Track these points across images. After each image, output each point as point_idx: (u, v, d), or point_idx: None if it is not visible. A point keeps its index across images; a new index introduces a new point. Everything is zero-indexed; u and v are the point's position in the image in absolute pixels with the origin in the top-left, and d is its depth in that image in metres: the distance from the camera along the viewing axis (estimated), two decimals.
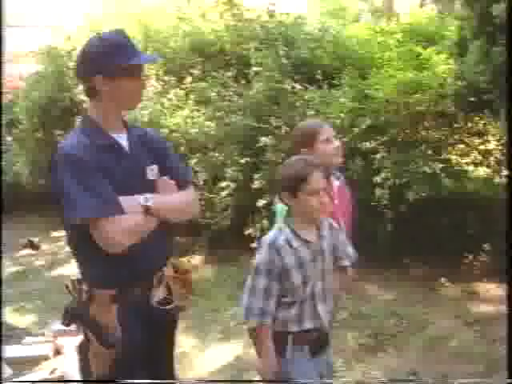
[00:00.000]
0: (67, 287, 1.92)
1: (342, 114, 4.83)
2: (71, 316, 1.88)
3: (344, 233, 2.25)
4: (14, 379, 3.35)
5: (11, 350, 3.68)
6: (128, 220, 1.78)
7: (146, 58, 2.12)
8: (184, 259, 2.14)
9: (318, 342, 2.07)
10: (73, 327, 1.98)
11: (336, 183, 2.64)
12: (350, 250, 2.21)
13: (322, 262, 2.03)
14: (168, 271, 2.01)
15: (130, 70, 1.87)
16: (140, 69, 1.93)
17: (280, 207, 2.51)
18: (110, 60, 1.83)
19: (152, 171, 1.97)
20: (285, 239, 1.96)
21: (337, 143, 2.54)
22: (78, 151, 1.79)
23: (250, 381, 2.16)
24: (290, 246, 1.96)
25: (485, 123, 5.06)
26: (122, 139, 1.94)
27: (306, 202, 1.94)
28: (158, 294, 1.96)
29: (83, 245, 1.89)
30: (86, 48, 1.91)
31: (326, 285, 2.06)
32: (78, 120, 2.02)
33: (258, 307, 1.96)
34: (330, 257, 2.06)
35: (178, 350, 2.19)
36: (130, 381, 1.91)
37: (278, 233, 1.99)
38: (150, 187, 1.94)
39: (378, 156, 4.72)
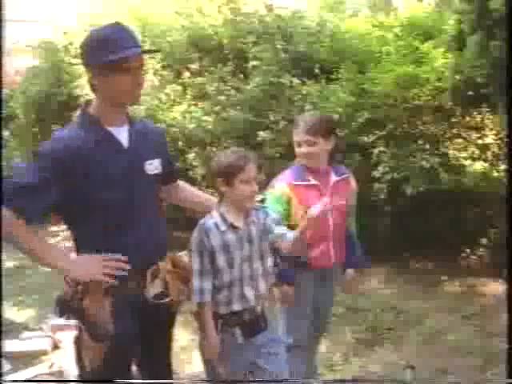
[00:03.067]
0: (67, 281, 1.92)
1: (340, 109, 4.82)
2: (63, 307, 1.88)
3: (276, 218, 2.26)
4: (12, 374, 3.35)
5: (10, 345, 3.68)
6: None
7: (124, 53, 1.84)
8: (182, 253, 2.15)
9: (250, 324, 2.14)
10: (73, 321, 1.98)
11: (333, 179, 2.63)
12: (288, 234, 2.20)
13: (249, 247, 2.12)
14: (165, 265, 2.01)
15: (119, 66, 1.81)
16: (131, 64, 1.83)
17: (268, 193, 2.53)
18: (97, 56, 1.82)
19: (151, 165, 1.97)
20: (213, 222, 2.07)
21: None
22: (59, 150, 1.80)
23: (252, 380, 2.16)
24: (218, 229, 2.06)
25: (482, 117, 5.06)
26: (122, 134, 1.93)
27: (240, 190, 2.06)
28: (154, 287, 1.96)
29: (78, 237, 1.92)
30: (83, 41, 1.90)
31: (255, 270, 2.14)
32: (77, 116, 2.00)
33: (197, 287, 2.06)
34: (259, 243, 2.15)
35: (176, 345, 2.19)
36: (130, 381, 1.91)
37: (209, 217, 2.10)
38: (149, 182, 1.95)
39: (376, 150, 4.72)
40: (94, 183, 1.82)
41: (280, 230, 2.19)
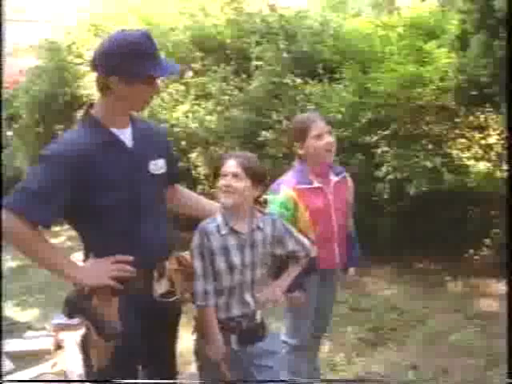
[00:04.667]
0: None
1: (342, 109, 4.82)
2: (71, 307, 1.88)
3: (288, 227, 2.25)
4: (15, 373, 3.36)
5: (13, 344, 3.69)
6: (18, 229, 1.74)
7: (167, 70, 1.92)
8: (185, 253, 2.14)
9: (248, 332, 2.12)
10: (76, 321, 1.98)
11: (334, 179, 2.63)
12: (305, 241, 2.25)
13: (251, 253, 2.09)
14: (171, 264, 2.01)
15: (149, 76, 1.83)
16: (155, 77, 1.88)
17: (271, 197, 2.52)
18: (131, 65, 1.79)
19: (155, 165, 1.97)
20: (215, 225, 2.05)
21: (328, 139, 2.52)
22: (66, 152, 1.79)
23: (252, 380, 2.15)
24: (218, 233, 2.04)
25: (486, 117, 5.05)
26: (126, 135, 1.92)
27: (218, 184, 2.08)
28: (161, 287, 1.96)
29: (87, 239, 1.92)
30: (108, 45, 1.83)
31: (257, 275, 2.13)
32: (79, 119, 1.99)
33: (201, 290, 2.03)
34: (263, 250, 2.12)
35: (179, 346, 2.19)
36: (130, 381, 1.91)
37: (211, 220, 2.08)
38: (153, 182, 1.95)
39: (379, 150, 4.72)
40: (101, 185, 1.82)
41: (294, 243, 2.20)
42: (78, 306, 1.86)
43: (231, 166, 2.05)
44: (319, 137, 2.50)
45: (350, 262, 2.77)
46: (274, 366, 2.19)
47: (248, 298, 2.10)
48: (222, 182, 2.05)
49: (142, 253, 1.87)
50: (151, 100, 1.96)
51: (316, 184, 2.55)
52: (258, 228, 2.11)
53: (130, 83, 1.81)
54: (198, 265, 2.04)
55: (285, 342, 2.68)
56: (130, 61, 1.79)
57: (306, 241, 2.26)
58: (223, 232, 2.04)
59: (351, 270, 2.81)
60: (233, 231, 2.06)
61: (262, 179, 2.12)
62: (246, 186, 2.04)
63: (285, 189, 2.52)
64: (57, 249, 1.92)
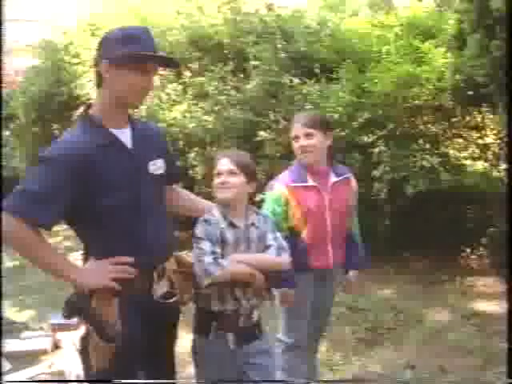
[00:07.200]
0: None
1: (340, 108, 4.83)
2: (72, 309, 1.88)
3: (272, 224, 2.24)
4: (12, 373, 3.35)
5: (10, 345, 3.69)
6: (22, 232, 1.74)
7: (144, 49, 1.87)
8: (183, 253, 2.14)
9: (244, 331, 2.12)
10: (73, 321, 1.97)
11: (333, 179, 2.62)
12: (283, 243, 2.19)
13: (246, 248, 2.09)
14: (170, 265, 2.01)
15: (135, 61, 1.82)
16: (147, 66, 1.86)
17: (266, 195, 2.53)
18: (118, 47, 1.81)
19: (154, 165, 1.97)
20: (215, 219, 2.08)
21: (300, 143, 2.58)
22: (66, 154, 1.79)
23: (251, 381, 2.16)
24: (218, 225, 2.06)
25: (483, 117, 5.06)
26: (125, 135, 1.92)
27: (214, 183, 2.12)
28: (161, 287, 1.96)
29: (88, 241, 1.92)
30: (103, 37, 1.90)
31: None
32: (78, 119, 1.98)
33: (209, 262, 1.97)
34: (257, 246, 2.12)
35: (178, 345, 2.19)
36: (130, 381, 1.90)
37: (209, 214, 2.10)
38: (154, 182, 1.95)
39: (377, 150, 4.72)
40: (101, 186, 1.82)
41: (273, 244, 2.15)
42: (77, 307, 1.86)
43: (225, 164, 2.09)
44: (294, 139, 2.59)
45: (349, 263, 2.76)
46: (268, 364, 2.20)
47: (238, 293, 2.09)
48: (217, 180, 2.09)
49: (142, 253, 1.86)
50: (145, 94, 1.93)
51: (311, 183, 2.55)
52: (253, 225, 2.12)
53: (116, 66, 1.81)
54: (205, 245, 2.00)
55: (280, 341, 2.68)
56: (117, 45, 1.81)
57: (283, 242, 2.19)
58: (222, 225, 2.06)
59: (351, 273, 2.79)
60: (231, 225, 2.07)
61: (254, 175, 2.16)
62: (240, 182, 2.08)
63: (278, 186, 2.55)
64: (57, 251, 1.91)
